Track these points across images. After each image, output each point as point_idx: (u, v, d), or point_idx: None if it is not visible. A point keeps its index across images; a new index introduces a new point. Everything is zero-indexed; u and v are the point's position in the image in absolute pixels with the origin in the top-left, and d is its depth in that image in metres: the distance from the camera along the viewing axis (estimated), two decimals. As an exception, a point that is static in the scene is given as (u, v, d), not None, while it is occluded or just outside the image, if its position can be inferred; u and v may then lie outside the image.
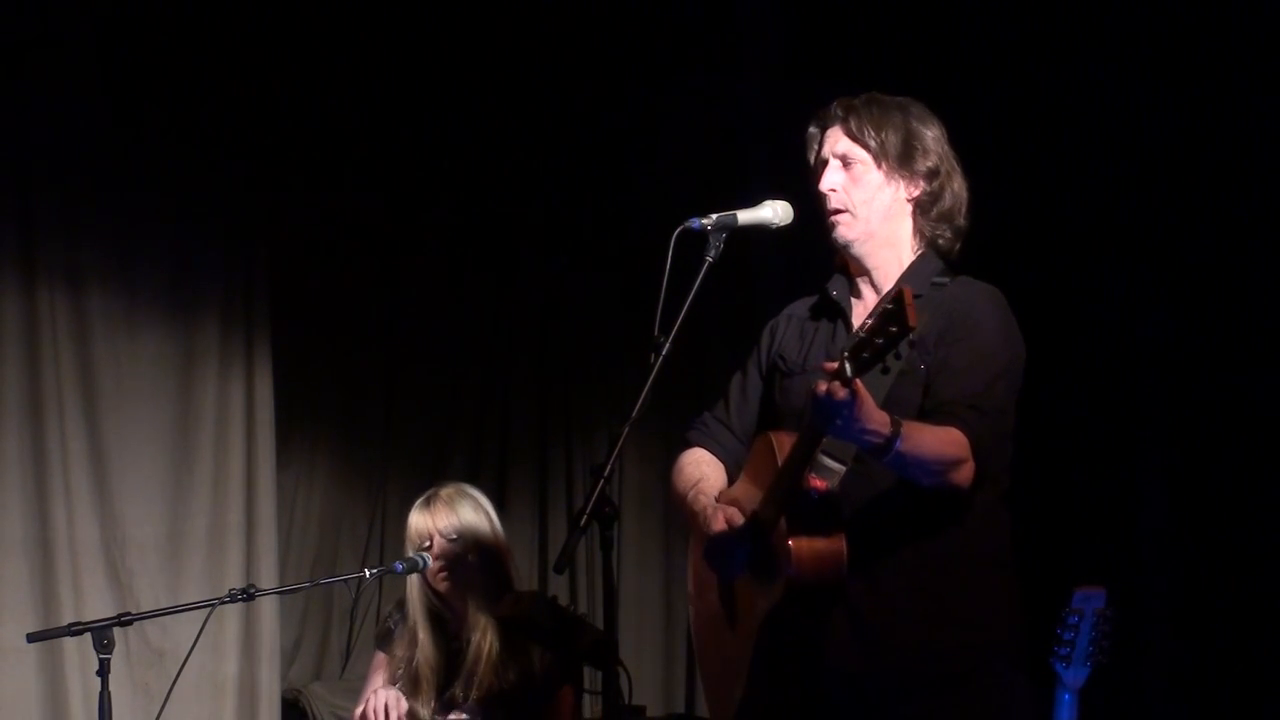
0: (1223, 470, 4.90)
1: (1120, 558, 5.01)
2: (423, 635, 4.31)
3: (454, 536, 4.29)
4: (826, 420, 2.93)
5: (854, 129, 3.29)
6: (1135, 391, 5.11)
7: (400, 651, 4.36)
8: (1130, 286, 5.12)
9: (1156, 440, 5.06)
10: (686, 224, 3.20)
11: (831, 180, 3.30)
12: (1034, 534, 4.74)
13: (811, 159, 3.36)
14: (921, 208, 3.32)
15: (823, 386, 2.87)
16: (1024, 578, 3.35)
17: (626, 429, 3.06)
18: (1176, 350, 5.00)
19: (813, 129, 3.38)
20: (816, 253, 3.42)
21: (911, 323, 2.79)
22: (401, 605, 4.43)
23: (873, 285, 3.35)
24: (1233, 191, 4.89)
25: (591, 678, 5.79)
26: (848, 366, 2.84)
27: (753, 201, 3.29)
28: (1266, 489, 4.79)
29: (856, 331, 2.93)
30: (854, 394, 2.86)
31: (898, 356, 2.88)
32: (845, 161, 3.30)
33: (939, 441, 3.06)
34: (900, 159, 3.29)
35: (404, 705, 4.23)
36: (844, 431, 2.95)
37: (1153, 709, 4.92)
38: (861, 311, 3.33)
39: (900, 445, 2.97)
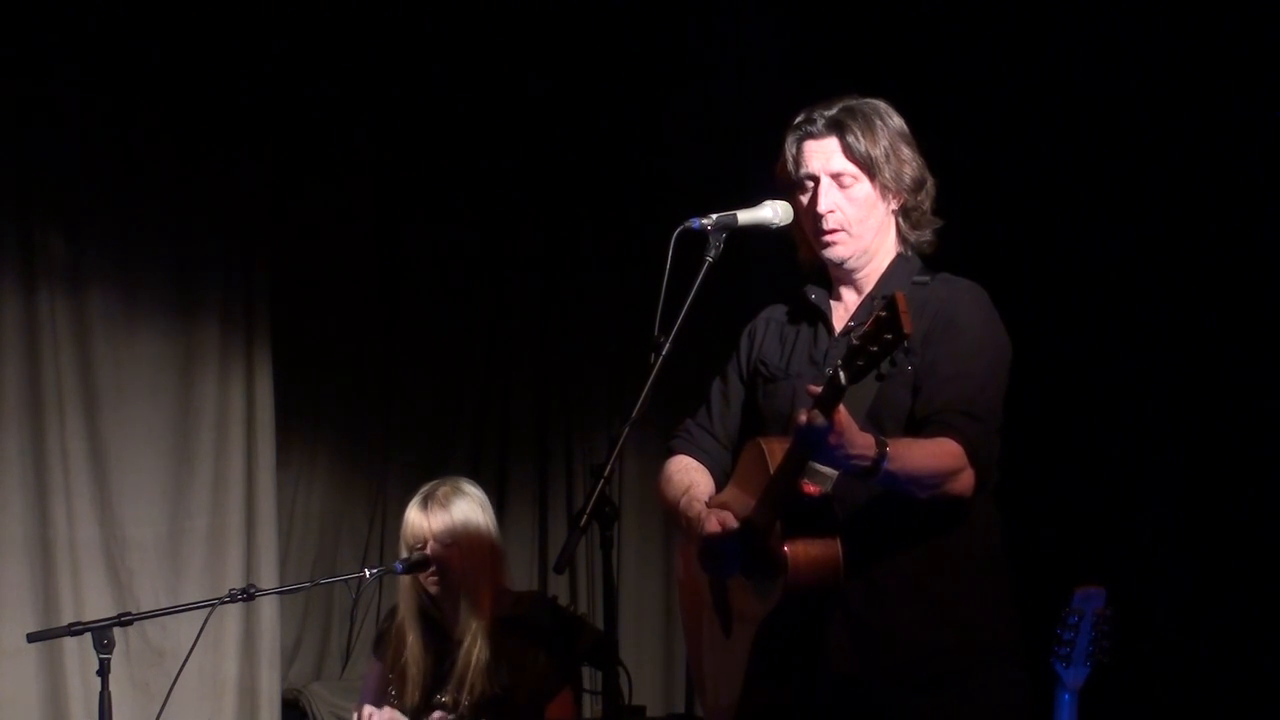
0: (1224, 469, 4.90)
1: (1120, 558, 5.00)
2: (411, 636, 4.29)
3: (449, 540, 4.26)
4: (809, 447, 2.94)
5: (850, 145, 3.27)
6: (1136, 390, 5.11)
7: (391, 654, 4.35)
8: (1132, 283, 5.12)
9: (1157, 439, 5.06)
10: (686, 224, 3.19)
11: (830, 200, 3.28)
12: (1034, 534, 4.77)
13: (792, 170, 3.31)
14: (907, 217, 3.33)
15: (803, 417, 2.88)
16: (1024, 578, 3.35)
17: (626, 429, 3.06)
18: (1178, 348, 5.00)
19: (791, 139, 3.33)
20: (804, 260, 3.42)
21: (906, 330, 2.79)
22: (396, 608, 4.42)
23: (854, 288, 3.36)
24: (1237, 185, 4.89)
25: (591, 678, 5.81)
26: (842, 375, 2.84)
27: (753, 201, 3.29)
28: (1267, 487, 4.79)
29: (850, 338, 2.92)
30: (831, 422, 2.87)
31: (893, 364, 2.88)
32: (838, 179, 3.29)
33: (931, 455, 3.07)
34: (893, 175, 3.28)
35: None
36: (828, 458, 2.96)
37: (1153, 709, 4.92)
38: (842, 313, 3.34)
39: (888, 465, 2.97)
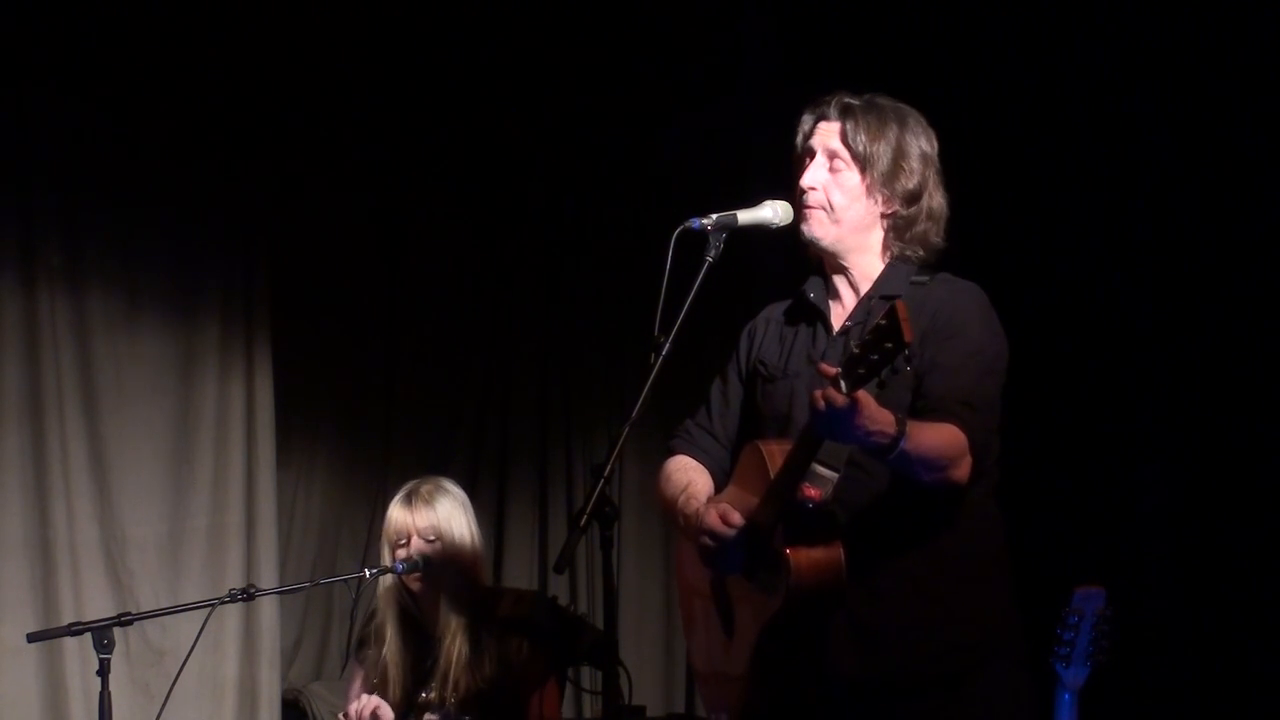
0: (1223, 469, 4.90)
1: (1120, 558, 5.01)
2: (391, 634, 4.30)
3: (432, 537, 4.27)
4: (829, 429, 2.94)
5: (848, 132, 3.29)
6: (1135, 389, 5.11)
7: (371, 653, 4.36)
8: (1131, 283, 5.12)
9: (1157, 439, 5.06)
10: (686, 224, 3.20)
11: (815, 177, 3.30)
12: (1034, 533, 4.77)
13: (798, 144, 3.35)
14: (895, 228, 3.32)
15: (821, 399, 2.88)
16: (1024, 577, 3.35)
17: (626, 429, 3.07)
18: (1177, 348, 5.00)
19: (807, 115, 3.36)
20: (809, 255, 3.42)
21: (907, 338, 2.79)
22: (375, 610, 4.43)
23: (850, 286, 3.35)
24: (1233, 184, 4.90)
25: (591, 678, 5.81)
26: (842, 384, 2.84)
27: (753, 201, 3.29)
28: (1267, 487, 4.79)
29: (851, 345, 2.93)
30: (854, 401, 2.87)
31: (894, 371, 2.88)
32: (831, 160, 3.30)
33: (941, 439, 3.07)
34: (885, 175, 3.28)
35: (386, 711, 4.21)
36: (848, 436, 2.96)
37: (1153, 709, 4.92)
38: (840, 313, 3.34)
39: (905, 444, 2.97)
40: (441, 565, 4.26)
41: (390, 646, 4.30)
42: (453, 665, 4.20)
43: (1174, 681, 4.92)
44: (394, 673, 4.28)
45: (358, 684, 4.42)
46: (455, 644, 4.21)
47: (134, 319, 5.90)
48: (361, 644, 4.45)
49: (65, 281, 5.77)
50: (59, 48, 5.72)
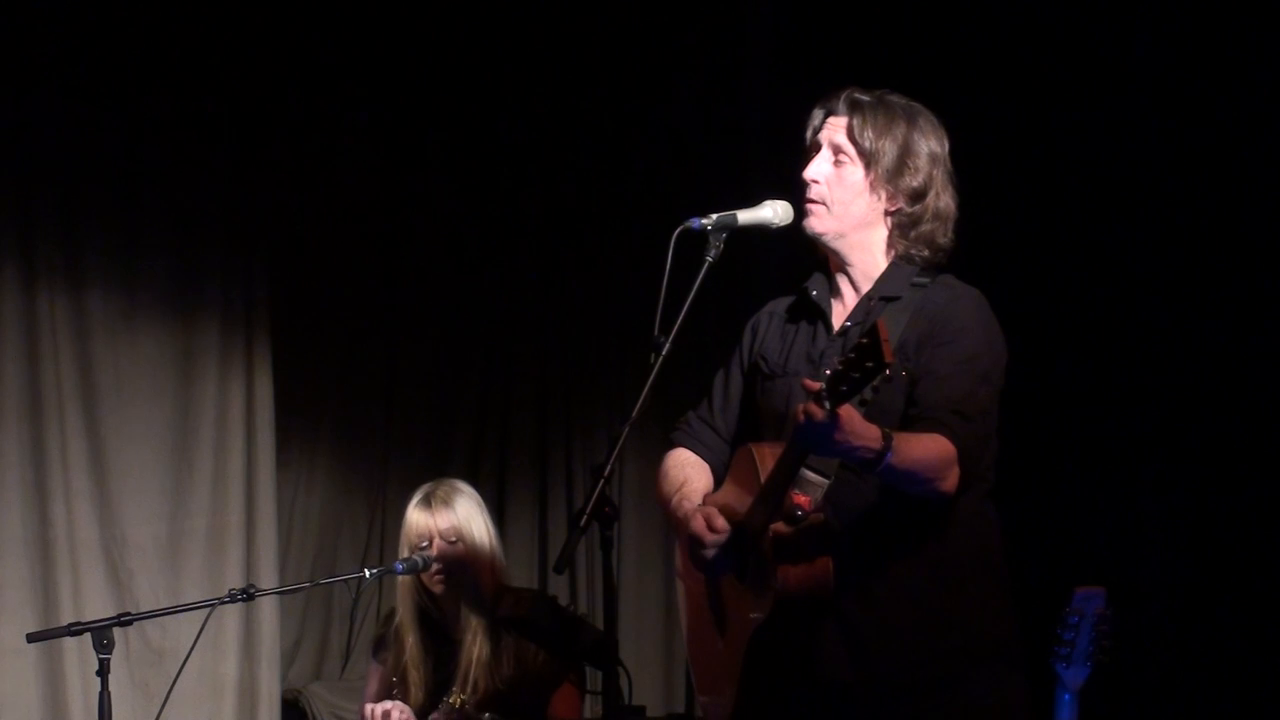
0: (1223, 469, 4.90)
1: (1120, 558, 5.01)
2: (410, 636, 4.30)
3: (453, 539, 4.28)
4: (810, 443, 2.94)
5: (855, 127, 3.28)
6: (1136, 390, 5.11)
7: (391, 657, 4.36)
8: (1130, 284, 5.12)
9: (1157, 439, 5.06)
10: (686, 224, 3.20)
11: (818, 170, 3.30)
12: (1034, 534, 4.77)
13: (807, 138, 3.34)
14: (900, 226, 3.30)
15: (802, 413, 2.88)
16: (1024, 578, 3.35)
17: (626, 429, 3.06)
18: (1177, 348, 5.00)
19: (817, 109, 3.35)
20: (815, 251, 3.42)
21: (887, 358, 2.79)
22: (394, 611, 4.42)
23: (851, 284, 3.34)
24: (1235, 186, 4.90)
25: (591, 678, 5.81)
26: (825, 403, 2.85)
27: (753, 201, 3.29)
28: (1267, 488, 4.79)
29: (835, 361, 2.93)
30: (836, 416, 2.87)
31: (875, 391, 2.88)
32: (836, 154, 3.30)
33: (927, 452, 3.06)
34: (889, 172, 3.27)
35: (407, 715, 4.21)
36: (829, 451, 2.96)
37: (1153, 709, 4.92)
38: (841, 311, 3.33)
39: (891, 458, 2.97)
40: (463, 566, 4.27)
41: (410, 651, 4.29)
42: (473, 666, 4.20)
43: (1174, 681, 4.92)
44: (414, 675, 4.28)
45: (375, 685, 4.42)
46: (476, 645, 4.21)
47: (134, 319, 5.89)
48: (379, 645, 4.45)
49: (65, 281, 5.77)
50: (59, 48, 5.72)
